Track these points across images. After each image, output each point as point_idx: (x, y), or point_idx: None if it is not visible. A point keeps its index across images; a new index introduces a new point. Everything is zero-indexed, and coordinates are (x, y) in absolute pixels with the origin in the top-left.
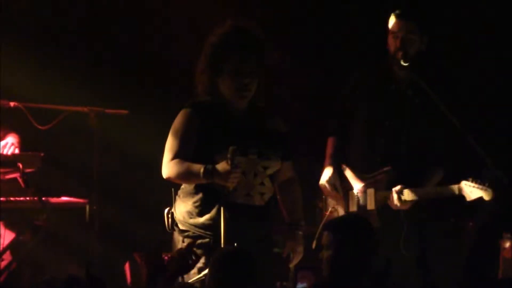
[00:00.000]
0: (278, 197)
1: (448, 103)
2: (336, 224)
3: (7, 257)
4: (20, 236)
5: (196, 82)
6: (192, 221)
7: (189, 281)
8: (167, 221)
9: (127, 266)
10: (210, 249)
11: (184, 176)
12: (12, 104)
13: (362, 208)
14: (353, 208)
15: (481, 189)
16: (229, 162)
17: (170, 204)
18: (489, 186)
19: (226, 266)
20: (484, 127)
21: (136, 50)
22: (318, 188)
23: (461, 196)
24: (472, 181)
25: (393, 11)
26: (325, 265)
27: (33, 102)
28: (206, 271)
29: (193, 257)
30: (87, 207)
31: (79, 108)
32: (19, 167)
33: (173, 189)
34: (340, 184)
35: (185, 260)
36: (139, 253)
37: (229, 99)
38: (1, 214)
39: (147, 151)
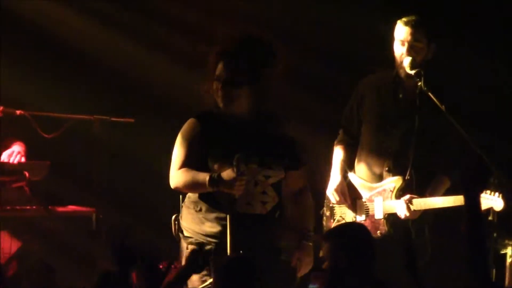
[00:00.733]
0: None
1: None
2: (332, 233)
3: (14, 266)
4: (26, 245)
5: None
6: (195, 228)
7: None
8: (173, 227)
9: (133, 275)
10: (212, 256)
11: (191, 185)
12: (18, 112)
13: (370, 217)
14: (361, 217)
15: (491, 199)
16: (235, 169)
17: (178, 211)
18: (499, 196)
19: (230, 274)
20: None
21: (141, 58)
22: (324, 197)
23: None
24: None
25: (399, 18)
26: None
27: (39, 110)
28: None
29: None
30: (94, 215)
31: (84, 117)
32: (25, 175)
33: (181, 196)
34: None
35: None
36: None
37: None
38: (8, 223)
39: (153, 159)
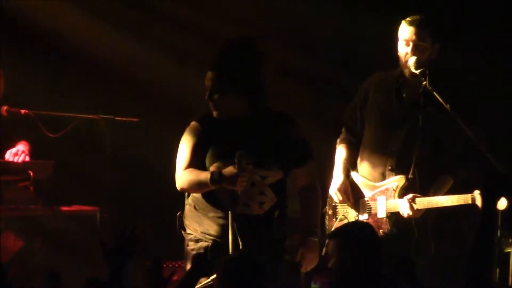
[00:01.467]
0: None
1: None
2: (337, 231)
3: (17, 265)
4: (30, 244)
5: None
6: (195, 225)
7: (197, 286)
8: (178, 224)
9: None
10: (210, 252)
11: (195, 184)
12: (22, 111)
13: (373, 216)
14: (364, 216)
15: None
16: (237, 166)
17: (182, 209)
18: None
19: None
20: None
21: (147, 58)
22: (326, 196)
23: (474, 205)
24: None
25: (403, 18)
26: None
27: (43, 109)
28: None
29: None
30: (98, 215)
31: (89, 116)
32: (30, 175)
33: (186, 193)
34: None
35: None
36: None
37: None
38: (12, 222)
39: (158, 158)
